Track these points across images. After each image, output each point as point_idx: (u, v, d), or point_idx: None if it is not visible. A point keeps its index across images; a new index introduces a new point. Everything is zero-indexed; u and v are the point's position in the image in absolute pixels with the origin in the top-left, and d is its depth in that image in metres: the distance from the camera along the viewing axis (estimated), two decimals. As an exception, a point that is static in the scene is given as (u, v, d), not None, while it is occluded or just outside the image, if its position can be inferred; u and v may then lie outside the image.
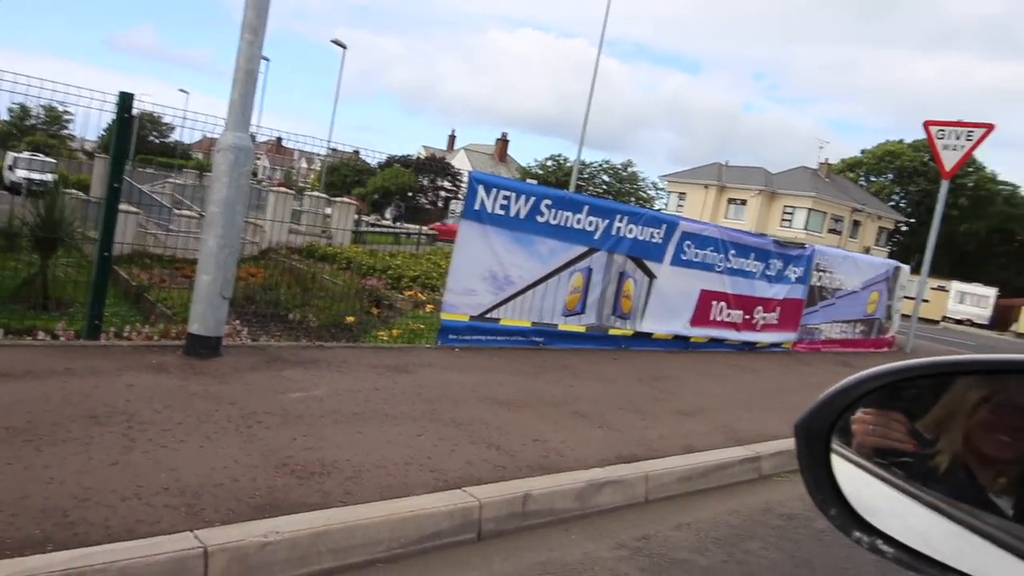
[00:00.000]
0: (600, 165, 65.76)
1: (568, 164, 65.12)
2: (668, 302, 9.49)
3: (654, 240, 9.13)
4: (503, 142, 73.30)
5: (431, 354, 6.89)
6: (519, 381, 6.29)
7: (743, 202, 53.07)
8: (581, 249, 8.35)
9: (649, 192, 65.27)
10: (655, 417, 5.83)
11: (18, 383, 4.14)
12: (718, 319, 10.30)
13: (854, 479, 1.08)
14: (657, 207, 56.00)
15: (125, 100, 5.36)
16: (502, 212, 7.52)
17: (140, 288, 11.54)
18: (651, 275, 9.24)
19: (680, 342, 9.81)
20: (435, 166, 56.23)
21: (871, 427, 1.08)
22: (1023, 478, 0.98)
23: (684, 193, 56.74)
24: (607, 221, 8.54)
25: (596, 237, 8.46)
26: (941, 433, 1.03)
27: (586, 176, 64.99)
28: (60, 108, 62.04)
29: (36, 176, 32.08)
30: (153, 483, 3.15)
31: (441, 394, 5.38)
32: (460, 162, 63.21)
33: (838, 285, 12.28)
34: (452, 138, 77.61)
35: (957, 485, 1.00)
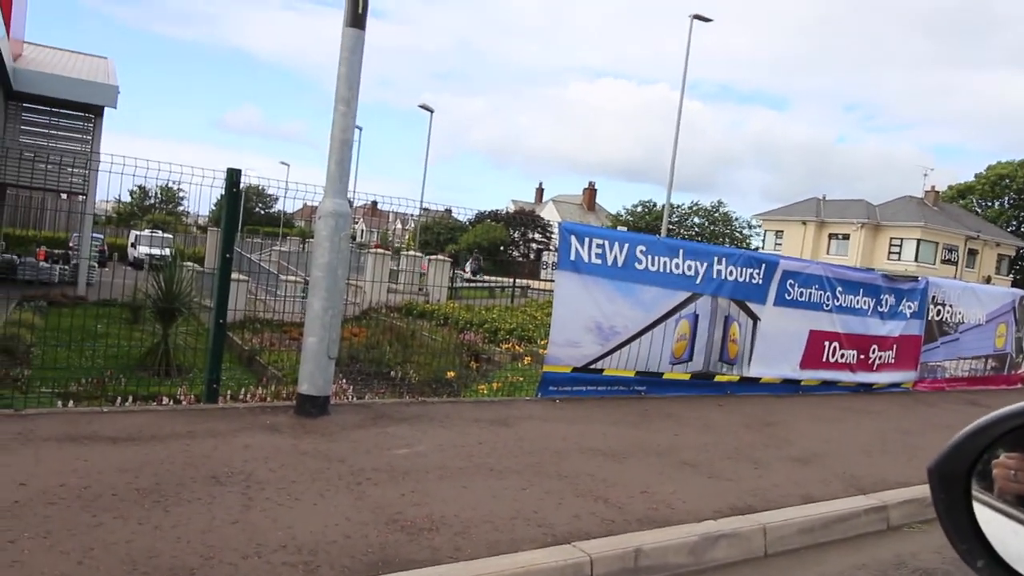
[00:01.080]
0: (690, 207, 64.91)
1: (657, 208, 64.68)
2: (775, 344, 9.15)
3: (754, 281, 8.87)
4: (591, 191, 73.58)
5: (531, 406, 6.87)
6: (622, 431, 6.17)
7: (845, 236, 51.06)
8: (684, 295, 8.21)
9: (744, 232, 63.90)
10: (767, 465, 5.57)
11: (145, 446, 4.38)
12: (831, 360, 9.84)
13: (1000, 527, 1.00)
14: (753, 247, 54.62)
15: (233, 176, 5.71)
16: (599, 261, 7.50)
17: (252, 352, 12.09)
18: (755, 317, 8.95)
19: (790, 386, 9.40)
20: (525, 219, 57.02)
21: (1014, 472, 1.01)
22: None
23: (781, 231, 55.16)
24: (706, 264, 8.38)
25: (698, 282, 8.30)
26: None
27: (676, 220, 64.30)
28: (175, 187, 66.81)
29: (156, 251, 34.60)
30: (271, 541, 3.24)
31: (544, 446, 5.33)
32: (549, 213, 63.87)
33: (959, 319, 11.54)
34: (540, 190, 78.47)
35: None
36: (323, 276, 5.31)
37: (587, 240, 7.45)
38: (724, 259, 8.61)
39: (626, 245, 7.74)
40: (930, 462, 1.05)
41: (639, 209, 65.59)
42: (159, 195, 74.78)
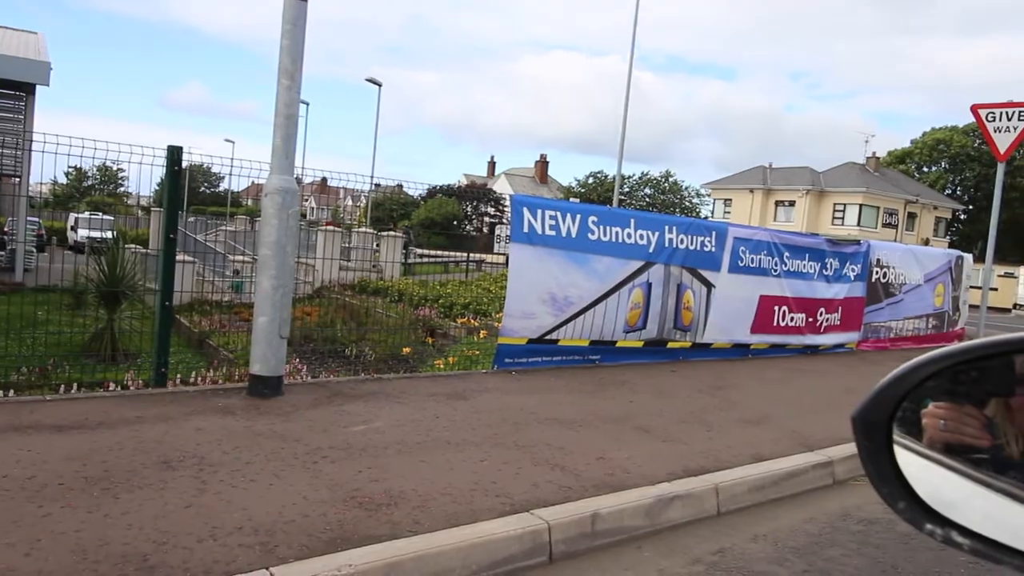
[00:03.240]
0: (640, 178, 65.33)
1: (609, 180, 64.92)
2: (728, 311, 9.33)
3: (707, 248, 9.00)
4: (543, 163, 73.67)
5: (488, 379, 6.89)
6: (578, 400, 6.24)
7: (791, 203, 52.08)
8: (638, 264, 8.28)
9: (693, 201, 64.67)
10: (719, 427, 5.70)
11: (93, 434, 4.27)
12: (780, 324, 10.07)
13: (924, 471, 1.03)
14: (703, 215, 55.35)
15: (174, 154, 5.53)
16: (552, 232, 7.51)
17: (202, 334, 11.87)
18: (709, 285, 9.10)
19: (739, 350, 9.61)
20: (477, 193, 56.83)
21: (943, 422, 1.04)
22: None
23: (729, 199, 56.01)
24: (658, 233, 8.46)
25: (651, 250, 8.39)
26: (1009, 416, 0.98)
27: (627, 190, 64.68)
28: (114, 167, 64.64)
29: (96, 234, 33.64)
30: (227, 523, 3.20)
31: (501, 418, 5.36)
32: (501, 187, 63.80)
33: (901, 280, 11.91)
34: (492, 164, 78.27)
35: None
36: (271, 254, 5.21)
37: (540, 212, 7.45)
38: (675, 227, 8.71)
39: (578, 216, 7.76)
40: (853, 411, 1.08)
41: (590, 181, 65.82)
42: (97, 176, 72.34)
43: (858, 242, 11.62)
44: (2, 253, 24.82)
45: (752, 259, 9.55)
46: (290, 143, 5.29)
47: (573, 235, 7.68)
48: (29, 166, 23.07)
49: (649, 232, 8.38)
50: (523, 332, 7.46)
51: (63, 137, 5.32)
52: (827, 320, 10.72)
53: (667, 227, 8.61)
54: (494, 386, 6.55)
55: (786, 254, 10.02)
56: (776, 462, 4.97)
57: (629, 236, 8.21)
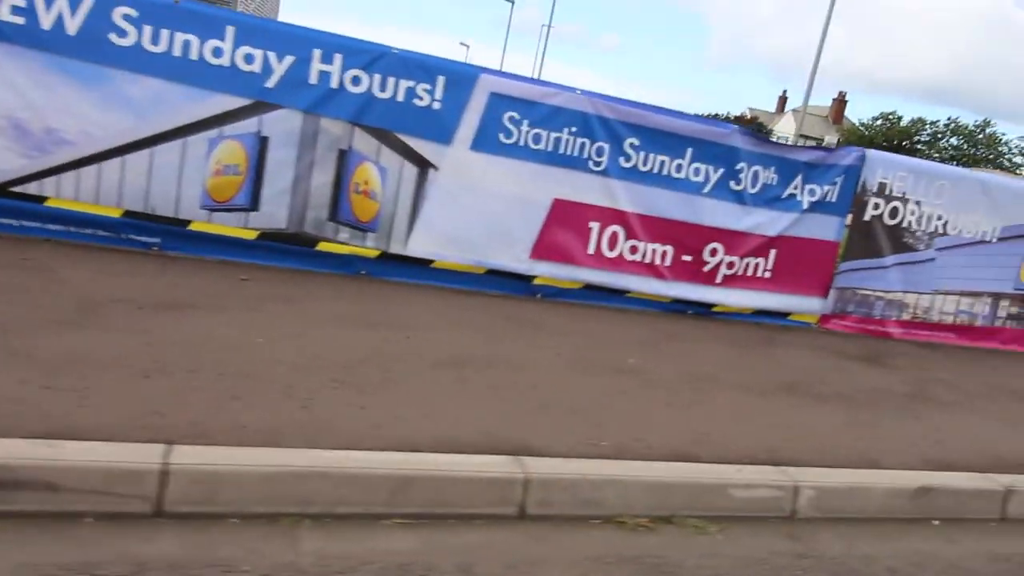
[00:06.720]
0: (946, 124, 53.18)
1: (902, 124, 53.73)
2: (472, 211, 5.74)
3: (420, 102, 5.45)
4: (839, 102, 65.32)
5: None
6: None
7: None
8: (236, 102, 5.16)
9: (1016, 159, 51.35)
10: None
11: None
12: (606, 253, 6.10)
13: None
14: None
15: None
16: (20, 19, 4.73)
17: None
18: (424, 163, 5.59)
19: (509, 282, 5.91)
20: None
21: None
22: None
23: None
24: (292, 58, 5.17)
25: (269, 84, 5.17)
26: None
27: (927, 139, 53.26)
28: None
29: None
30: None
31: None
32: (786, 124, 57.24)
33: (938, 226, 6.79)
34: (783, 99, 70.24)
35: None
36: None
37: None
38: (340, 55, 5.27)
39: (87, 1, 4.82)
40: None
41: (878, 123, 55.09)
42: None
43: (830, 148, 6.75)
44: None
45: (537, 136, 5.70)
46: None
47: (71, 30, 4.79)
48: None
49: (269, 53, 5.12)
50: (-40, 174, 4.87)
51: None
52: (732, 265, 6.32)
53: (317, 52, 5.22)
54: None
55: (631, 140, 5.90)
56: None
57: (219, 53, 5.05)
